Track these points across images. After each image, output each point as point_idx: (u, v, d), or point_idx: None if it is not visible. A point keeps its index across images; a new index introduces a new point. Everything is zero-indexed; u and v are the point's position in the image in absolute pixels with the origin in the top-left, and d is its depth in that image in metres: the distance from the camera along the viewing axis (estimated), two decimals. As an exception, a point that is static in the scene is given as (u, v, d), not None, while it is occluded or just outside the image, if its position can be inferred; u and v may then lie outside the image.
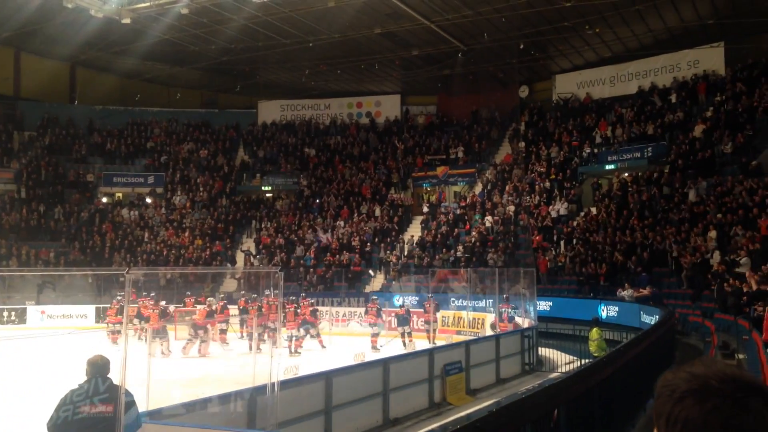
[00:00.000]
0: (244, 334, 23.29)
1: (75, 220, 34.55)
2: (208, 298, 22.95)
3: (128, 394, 5.90)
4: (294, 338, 19.93)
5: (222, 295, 27.64)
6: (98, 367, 5.92)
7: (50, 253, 32.11)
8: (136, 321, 23.88)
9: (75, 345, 22.85)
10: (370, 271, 31.32)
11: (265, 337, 21.35)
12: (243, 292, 26.77)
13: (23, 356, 19.88)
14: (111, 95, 40.06)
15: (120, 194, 37.74)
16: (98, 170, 37.29)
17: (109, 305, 25.38)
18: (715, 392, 1.33)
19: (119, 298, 23.28)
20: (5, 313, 26.56)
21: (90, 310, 27.86)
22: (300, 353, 19.36)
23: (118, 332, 22.52)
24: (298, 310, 20.63)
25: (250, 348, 16.34)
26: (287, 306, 20.44)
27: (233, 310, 24.61)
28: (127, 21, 26.62)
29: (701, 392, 1.33)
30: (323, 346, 20.70)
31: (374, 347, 20.32)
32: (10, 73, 37.66)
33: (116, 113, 39.76)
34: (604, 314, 22.34)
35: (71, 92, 40.15)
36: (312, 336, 20.81)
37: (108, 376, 5.96)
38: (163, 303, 21.22)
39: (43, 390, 13.08)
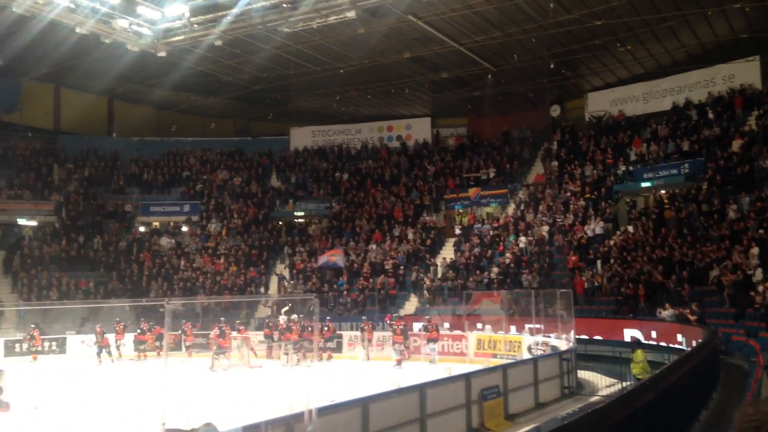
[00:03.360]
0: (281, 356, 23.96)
1: (113, 250, 35.19)
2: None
3: None
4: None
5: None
6: None
7: (90, 282, 32.70)
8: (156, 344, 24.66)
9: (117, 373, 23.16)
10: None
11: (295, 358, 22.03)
12: (267, 318, 27.12)
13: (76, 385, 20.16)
14: (147, 126, 40.99)
15: (157, 223, 38.37)
16: (135, 200, 38.04)
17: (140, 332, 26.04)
18: None
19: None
20: (46, 343, 27.02)
21: (129, 338, 28.21)
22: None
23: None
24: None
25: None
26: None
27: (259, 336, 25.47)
28: (162, 54, 27.23)
29: None
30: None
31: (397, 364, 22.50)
32: (50, 108, 38.81)
33: (152, 144, 40.62)
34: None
35: (109, 125, 41.20)
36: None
37: None
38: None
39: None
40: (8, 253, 33.27)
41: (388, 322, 25.50)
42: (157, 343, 25.13)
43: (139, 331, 26.58)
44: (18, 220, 35.01)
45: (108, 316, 27.88)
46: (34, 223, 35.44)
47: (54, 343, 27.28)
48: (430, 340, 23.85)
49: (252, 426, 8.21)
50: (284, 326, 24.99)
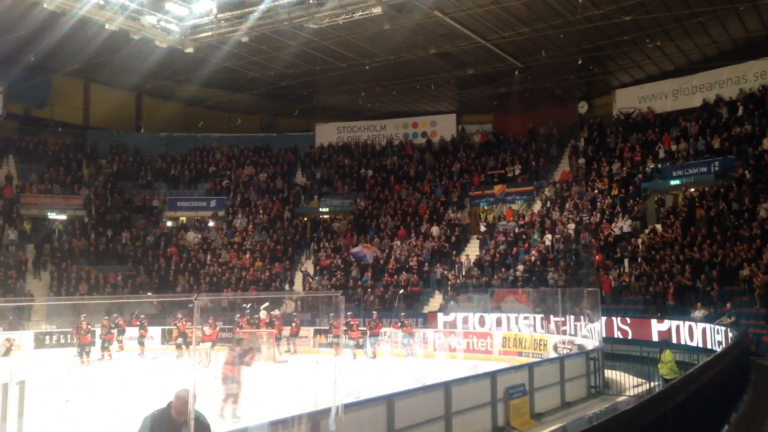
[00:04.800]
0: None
1: (141, 244, 35.61)
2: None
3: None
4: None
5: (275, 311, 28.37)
6: None
7: (118, 276, 33.14)
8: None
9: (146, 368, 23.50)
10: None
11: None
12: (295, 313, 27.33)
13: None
14: (175, 122, 41.40)
15: (184, 218, 38.75)
16: (163, 195, 38.45)
17: (174, 327, 26.17)
18: None
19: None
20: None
21: (156, 331, 28.61)
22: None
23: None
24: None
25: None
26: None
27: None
28: (190, 50, 27.45)
29: None
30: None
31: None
32: (80, 104, 39.39)
33: (180, 140, 41.02)
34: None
35: (137, 120, 41.70)
36: None
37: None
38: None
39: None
40: (39, 246, 33.83)
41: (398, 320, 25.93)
42: (180, 340, 25.36)
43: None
44: (48, 214, 35.59)
45: (136, 310, 28.20)
46: (63, 217, 36.02)
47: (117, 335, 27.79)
48: (406, 335, 24.74)
49: (279, 421, 8.25)
50: (267, 321, 25.62)
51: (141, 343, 26.43)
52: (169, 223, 38.25)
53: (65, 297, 30.23)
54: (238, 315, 26.63)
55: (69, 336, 26.20)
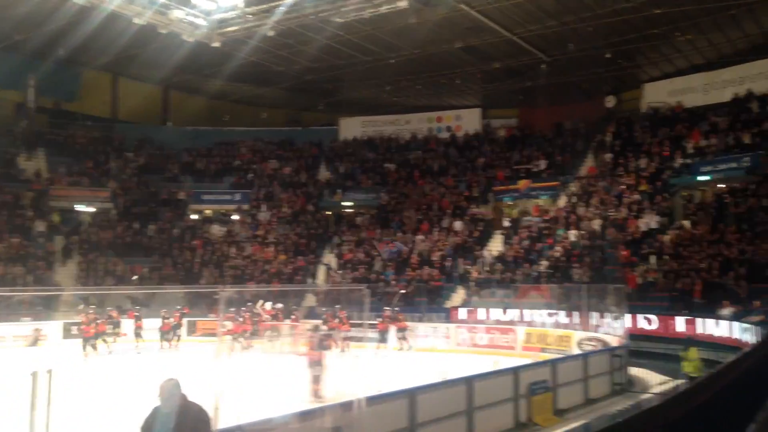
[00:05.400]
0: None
1: (167, 237, 36.01)
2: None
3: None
4: None
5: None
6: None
7: (144, 268, 33.55)
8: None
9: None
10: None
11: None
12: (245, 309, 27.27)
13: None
14: (201, 116, 41.77)
15: (209, 211, 39.09)
16: (188, 188, 38.79)
17: (200, 318, 26.44)
18: None
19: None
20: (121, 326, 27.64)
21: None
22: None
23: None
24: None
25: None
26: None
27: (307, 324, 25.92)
28: (216, 44, 27.65)
29: None
30: None
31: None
32: (108, 97, 39.92)
33: (205, 133, 41.38)
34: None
35: (164, 114, 42.14)
36: None
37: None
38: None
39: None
40: (67, 238, 34.38)
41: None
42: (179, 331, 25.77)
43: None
44: (76, 206, 36.13)
45: (161, 303, 28.50)
46: (91, 209, 36.54)
47: (109, 327, 28.01)
48: (399, 330, 24.95)
49: (303, 413, 8.31)
50: (272, 313, 26.02)
51: (138, 335, 26.01)
52: (194, 216, 38.63)
53: (93, 287, 30.70)
54: (243, 308, 26.58)
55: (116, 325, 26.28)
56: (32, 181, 35.48)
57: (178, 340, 26.51)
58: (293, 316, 27.29)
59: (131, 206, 36.78)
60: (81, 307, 26.19)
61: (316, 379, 14.62)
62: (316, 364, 14.80)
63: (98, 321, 24.31)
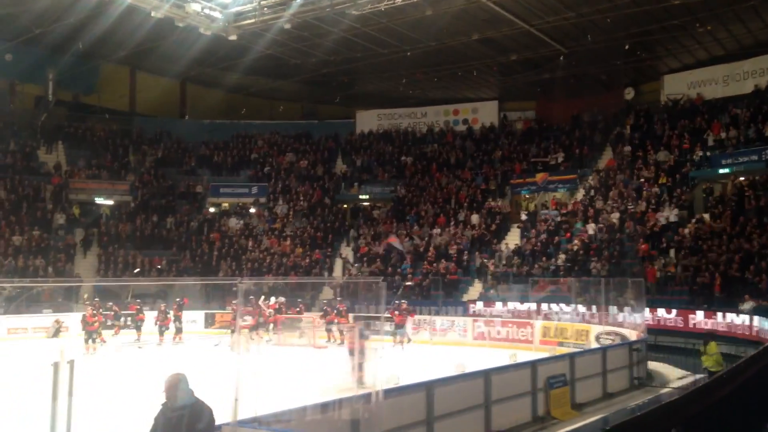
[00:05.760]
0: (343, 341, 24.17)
1: (185, 230, 36.25)
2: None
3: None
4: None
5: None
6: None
7: (163, 261, 33.82)
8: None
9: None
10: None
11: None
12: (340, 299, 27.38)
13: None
14: (218, 109, 41.95)
15: (226, 204, 39.30)
16: (206, 181, 39.02)
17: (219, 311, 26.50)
18: None
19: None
20: (122, 319, 27.95)
21: (199, 315, 29.12)
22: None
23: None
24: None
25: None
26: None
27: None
28: (233, 37, 27.73)
29: None
30: None
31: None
32: (126, 91, 40.19)
33: (223, 127, 41.55)
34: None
35: (181, 107, 42.35)
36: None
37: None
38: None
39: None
40: (87, 230, 34.72)
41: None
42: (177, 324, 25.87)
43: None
44: (96, 199, 36.48)
45: (181, 295, 28.71)
46: (110, 202, 36.88)
47: (128, 319, 28.31)
48: (398, 325, 24.74)
49: (321, 405, 8.33)
50: (275, 307, 26.16)
51: (138, 328, 25.98)
52: (211, 209, 38.85)
53: (112, 279, 31.01)
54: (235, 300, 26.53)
55: (117, 317, 26.46)
56: (52, 174, 35.86)
57: (177, 332, 26.33)
58: (296, 309, 27.32)
59: (149, 199, 37.05)
60: (86, 296, 26.30)
61: (360, 366, 14.94)
62: (358, 352, 15.21)
63: (103, 312, 24.29)
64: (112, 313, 25.61)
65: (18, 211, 33.23)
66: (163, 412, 5.75)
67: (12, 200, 33.58)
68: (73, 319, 27.87)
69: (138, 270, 32.31)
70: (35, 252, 31.55)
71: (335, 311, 25.69)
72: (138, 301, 27.15)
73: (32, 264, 30.69)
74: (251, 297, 26.19)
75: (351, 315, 26.34)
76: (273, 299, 26.92)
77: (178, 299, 27.19)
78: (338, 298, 26.21)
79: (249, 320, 24.48)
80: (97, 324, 23.30)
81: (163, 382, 5.77)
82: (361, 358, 14.94)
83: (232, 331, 24.42)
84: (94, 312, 23.36)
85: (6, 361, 19.91)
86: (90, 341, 22.81)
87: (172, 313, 26.19)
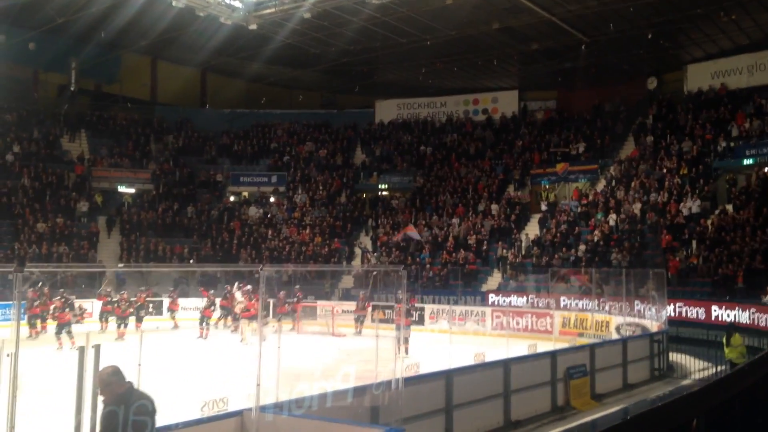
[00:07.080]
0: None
1: (206, 218, 36.54)
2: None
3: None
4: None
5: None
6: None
7: (184, 249, 34.12)
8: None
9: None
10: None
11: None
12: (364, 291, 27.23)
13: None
14: (238, 99, 42.15)
15: (246, 193, 39.53)
16: (226, 170, 39.24)
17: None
18: None
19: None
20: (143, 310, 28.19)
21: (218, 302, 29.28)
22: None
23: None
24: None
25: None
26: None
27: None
28: (253, 27, 27.80)
29: None
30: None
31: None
32: (147, 80, 40.50)
33: (243, 116, 41.74)
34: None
35: (202, 97, 42.60)
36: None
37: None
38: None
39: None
40: (109, 218, 35.12)
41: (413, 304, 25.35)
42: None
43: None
44: (118, 187, 36.88)
45: (201, 282, 28.94)
46: (132, 190, 37.27)
47: (151, 306, 28.61)
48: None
49: (339, 392, 8.40)
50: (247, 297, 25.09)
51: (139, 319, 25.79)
52: (232, 198, 39.10)
53: (135, 265, 31.36)
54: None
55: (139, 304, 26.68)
56: (75, 163, 36.28)
57: (173, 318, 26.67)
58: (293, 300, 26.98)
59: (171, 188, 37.36)
60: (105, 284, 26.63)
61: (406, 340, 17.32)
62: (405, 328, 17.50)
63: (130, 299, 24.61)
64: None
65: (42, 198, 33.67)
66: (104, 410, 5.41)
67: (36, 188, 34.02)
68: (96, 306, 28.23)
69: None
70: (59, 239, 31.97)
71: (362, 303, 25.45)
72: (142, 288, 27.15)
73: (56, 251, 31.12)
74: (226, 285, 26.12)
75: (371, 304, 26.33)
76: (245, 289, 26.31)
77: (171, 288, 27.80)
78: (363, 291, 26.04)
79: (243, 304, 24.06)
80: (128, 311, 23.78)
81: (97, 378, 5.49)
82: (407, 333, 17.53)
83: (201, 321, 24.36)
84: (121, 300, 23.73)
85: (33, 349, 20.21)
86: (122, 326, 23.37)
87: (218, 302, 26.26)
